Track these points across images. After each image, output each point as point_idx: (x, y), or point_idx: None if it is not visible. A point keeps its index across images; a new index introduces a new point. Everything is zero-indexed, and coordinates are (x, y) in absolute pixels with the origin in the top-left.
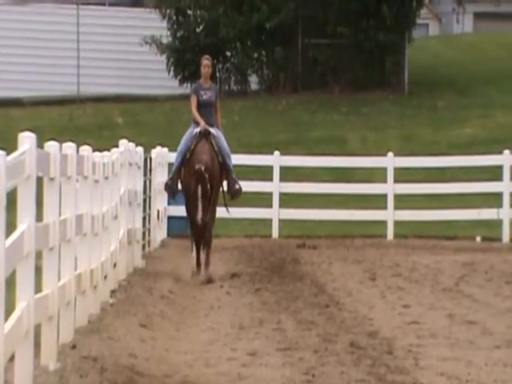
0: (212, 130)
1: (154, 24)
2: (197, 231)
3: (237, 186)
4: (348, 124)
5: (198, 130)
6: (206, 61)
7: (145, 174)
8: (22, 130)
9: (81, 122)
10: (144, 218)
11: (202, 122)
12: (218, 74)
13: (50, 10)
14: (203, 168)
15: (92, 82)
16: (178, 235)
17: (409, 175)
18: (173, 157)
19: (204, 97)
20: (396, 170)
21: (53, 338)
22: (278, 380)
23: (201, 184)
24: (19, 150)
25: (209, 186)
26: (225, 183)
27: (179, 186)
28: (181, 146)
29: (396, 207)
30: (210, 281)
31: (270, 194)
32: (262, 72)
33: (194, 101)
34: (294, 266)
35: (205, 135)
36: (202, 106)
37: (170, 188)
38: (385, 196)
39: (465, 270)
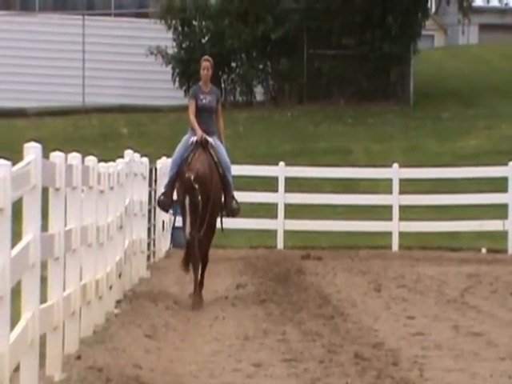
0: (210, 140)
1: (160, 35)
2: (188, 248)
3: (234, 205)
4: (353, 135)
5: (194, 138)
6: (205, 62)
7: (150, 185)
8: (28, 141)
9: (86, 133)
10: (149, 229)
11: (199, 131)
12: (223, 85)
13: (56, 21)
14: (192, 177)
15: (97, 93)
16: (182, 246)
17: (414, 186)
18: None
19: (204, 101)
20: (401, 181)
21: (58, 348)
22: None
23: (188, 194)
24: (25, 161)
25: (199, 197)
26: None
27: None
28: (175, 156)
29: (401, 218)
30: (198, 305)
31: (275, 205)
32: (267, 83)
33: (191, 106)
34: (298, 276)
35: (202, 144)
36: (201, 112)
37: (163, 204)
38: (390, 207)
39: (470, 282)
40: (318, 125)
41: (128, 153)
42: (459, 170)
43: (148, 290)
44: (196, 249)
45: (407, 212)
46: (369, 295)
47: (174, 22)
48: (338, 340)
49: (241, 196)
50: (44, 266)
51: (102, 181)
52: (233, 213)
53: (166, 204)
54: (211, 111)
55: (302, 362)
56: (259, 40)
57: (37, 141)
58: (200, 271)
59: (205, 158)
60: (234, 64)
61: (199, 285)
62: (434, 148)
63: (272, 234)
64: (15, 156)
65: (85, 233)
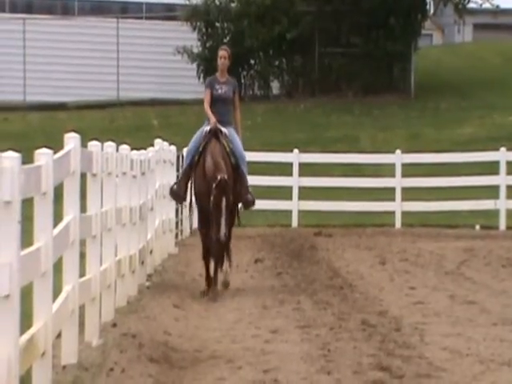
0: (224, 130)
1: (186, 35)
2: (215, 248)
3: (249, 197)
4: (360, 125)
5: (207, 128)
6: (222, 51)
7: (177, 170)
8: (68, 131)
9: (120, 124)
10: (177, 210)
11: (213, 119)
12: (243, 80)
13: (93, 24)
14: (226, 176)
15: (130, 88)
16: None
17: (415, 170)
18: None
19: (219, 91)
20: (403, 165)
21: (95, 317)
22: (297, 354)
23: (225, 196)
24: (65, 149)
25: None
26: None
27: (188, 193)
28: (190, 146)
29: (403, 199)
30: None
31: (290, 188)
32: (282, 78)
33: (207, 96)
34: (311, 252)
35: (215, 134)
36: (216, 102)
37: (176, 194)
38: (393, 189)
39: (465, 256)
40: (329, 116)
41: (158, 142)
42: (456, 155)
43: (176, 264)
44: (221, 249)
45: (409, 193)
46: (374, 268)
47: (198, 24)
48: (346, 308)
49: (259, 180)
50: (83, 243)
51: (135, 167)
52: (248, 204)
53: (178, 195)
54: (227, 101)
55: (314, 328)
56: (275, 40)
57: (76, 131)
58: (225, 266)
59: (219, 151)
60: (252, 61)
61: (225, 279)
62: (432, 135)
63: (287, 213)
64: (57, 145)
65: (119, 214)
